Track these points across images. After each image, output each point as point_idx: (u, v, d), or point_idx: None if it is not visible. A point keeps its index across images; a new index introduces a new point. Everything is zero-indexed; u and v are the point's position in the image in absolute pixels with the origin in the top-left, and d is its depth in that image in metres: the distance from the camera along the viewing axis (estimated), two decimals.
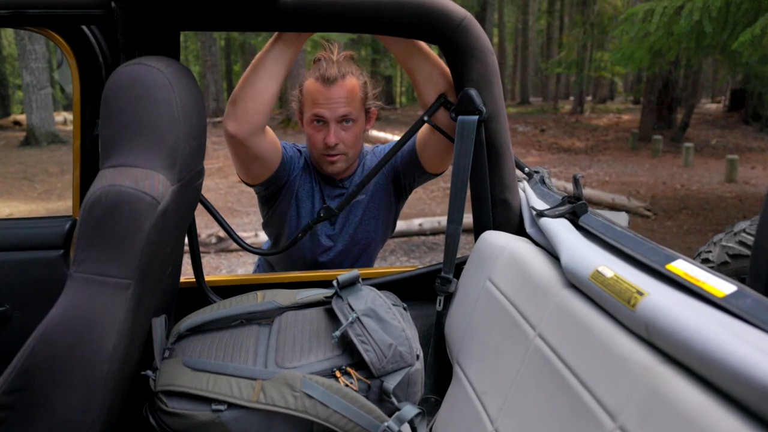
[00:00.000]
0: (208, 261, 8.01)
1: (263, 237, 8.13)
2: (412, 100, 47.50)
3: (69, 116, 25.64)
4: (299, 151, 2.77)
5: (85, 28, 2.30)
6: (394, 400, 1.85)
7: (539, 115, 32.09)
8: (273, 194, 2.72)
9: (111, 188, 1.44)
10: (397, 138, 2.80)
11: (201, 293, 2.41)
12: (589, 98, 41.50)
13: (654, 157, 18.09)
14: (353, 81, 2.58)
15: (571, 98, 40.66)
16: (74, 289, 1.44)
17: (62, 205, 12.06)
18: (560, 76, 40.33)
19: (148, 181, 1.49)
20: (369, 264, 2.95)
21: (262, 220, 2.87)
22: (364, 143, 2.77)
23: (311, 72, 2.60)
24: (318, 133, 2.58)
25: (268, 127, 2.45)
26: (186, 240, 2.30)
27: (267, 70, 2.26)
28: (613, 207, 10.95)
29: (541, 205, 2.10)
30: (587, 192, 11.28)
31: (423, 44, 2.23)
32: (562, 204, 2.01)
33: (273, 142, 2.52)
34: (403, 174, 2.74)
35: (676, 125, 21.67)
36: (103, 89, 1.58)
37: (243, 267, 7.87)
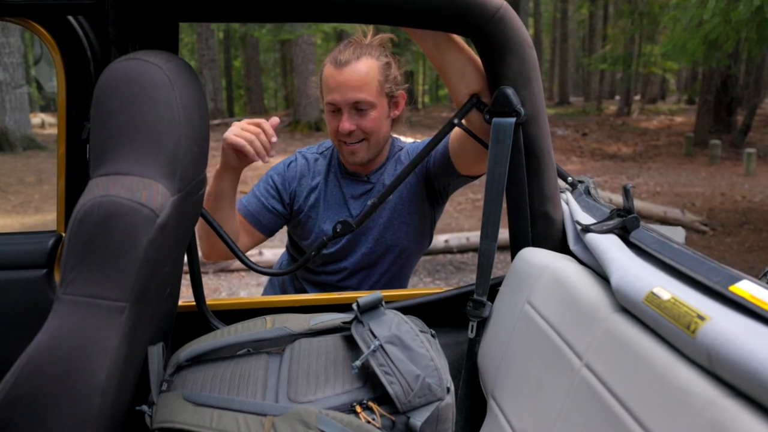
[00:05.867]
0: (205, 282, 7.98)
1: (268, 255, 8.14)
2: (436, 99, 47.43)
3: (47, 118, 25.73)
4: (306, 159, 2.90)
5: (71, 18, 2.32)
6: None
7: (581, 117, 32.02)
8: (291, 223, 2.95)
9: (104, 199, 1.44)
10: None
11: (202, 318, 2.41)
12: (638, 98, 41.31)
13: (711, 165, 18.00)
14: (369, 63, 2.63)
15: (617, 98, 40.50)
16: (62, 313, 1.44)
17: (40, 219, 12.10)
18: (604, 73, 40.20)
19: (145, 192, 1.49)
20: (402, 276, 2.98)
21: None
22: (391, 133, 2.85)
23: (328, 57, 2.69)
24: (334, 121, 2.68)
25: (238, 222, 2.71)
26: (186, 258, 2.30)
27: (221, 213, 2.56)
28: (666, 221, 10.91)
29: (586, 219, 2.09)
30: (636, 204, 11.20)
31: (456, 37, 2.21)
32: (610, 218, 1.99)
33: (252, 236, 2.84)
34: (435, 177, 2.76)
35: (736, 128, 21.50)
36: (95, 88, 1.58)
37: (246, 289, 7.87)
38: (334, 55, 2.64)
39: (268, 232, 2.88)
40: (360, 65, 2.60)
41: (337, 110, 2.64)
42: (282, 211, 2.87)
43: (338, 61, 2.60)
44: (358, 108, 2.62)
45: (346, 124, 2.61)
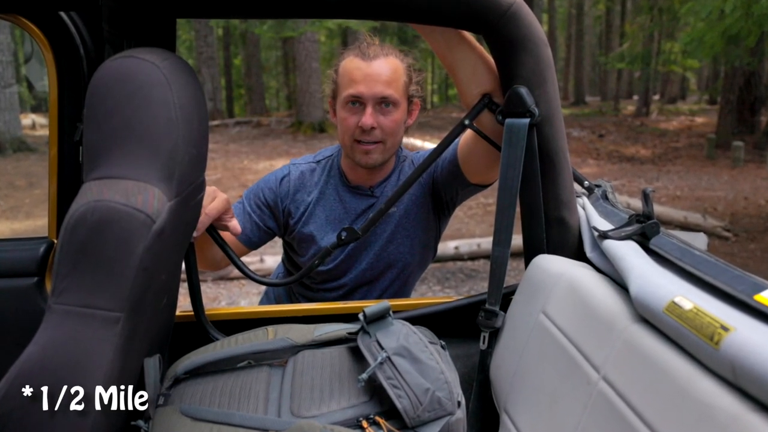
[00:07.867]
0: (204, 291, 7.90)
1: (269, 263, 8.13)
2: (446, 99, 47.41)
3: (38, 119, 25.74)
4: (301, 171, 2.89)
5: (63, 14, 2.32)
6: None
7: (597, 118, 31.99)
8: (285, 238, 2.96)
9: (97, 204, 1.44)
10: (429, 145, 2.81)
11: (200, 329, 2.41)
12: (657, 97, 41.29)
13: (734, 168, 17.94)
14: (396, 61, 2.64)
15: (635, 98, 40.48)
16: (54, 324, 1.43)
17: (31, 224, 12.10)
18: (622, 72, 40.15)
19: (141, 196, 1.48)
20: (405, 292, 2.96)
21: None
22: (402, 141, 2.83)
23: (350, 51, 2.69)
24: (352, 116, 2.63)
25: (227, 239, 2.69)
26: (183, 266, 2.29)
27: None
28: (686, 227, 10.87)
29: (604, 224, 2.09)
30: (655, 209, 11.18)
31: (467, 34, 2.20)
32: (629, 223, 1.99)
33: (238, 250, 2.79)
34: (443, 187, 2.74)
35: (760, 129, 21.44)
36: (88, 87, 1.58)
37: (246, 298, 7.87)
38: (359, 48, 2.64)
39: (256, 247, 2.90)
40: (389, 62, 2.61)
41: (358, 104, 2.62)
42: (275, 228, 2.88)
43: (366, 53, 2.60)
44: (383, 104, 2.61)
45: (369, 118, 2.58)
